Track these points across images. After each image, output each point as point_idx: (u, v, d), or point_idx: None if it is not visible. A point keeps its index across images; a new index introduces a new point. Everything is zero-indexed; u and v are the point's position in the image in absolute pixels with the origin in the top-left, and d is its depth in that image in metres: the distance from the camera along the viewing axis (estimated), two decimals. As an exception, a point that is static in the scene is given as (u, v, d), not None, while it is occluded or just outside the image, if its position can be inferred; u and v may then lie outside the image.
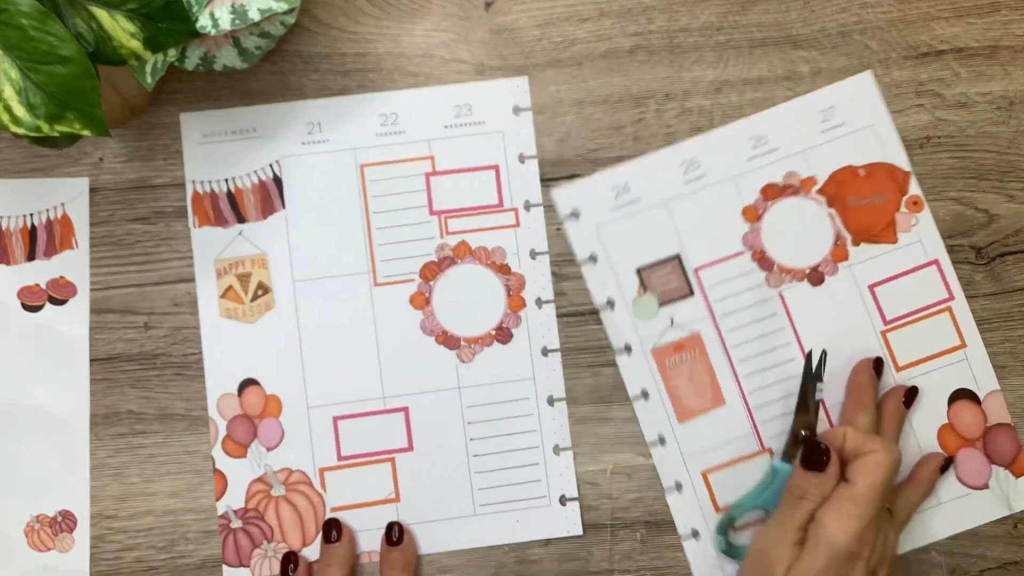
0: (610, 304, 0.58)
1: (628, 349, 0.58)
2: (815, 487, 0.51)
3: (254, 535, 0.57)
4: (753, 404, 0.57)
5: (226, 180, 0.58)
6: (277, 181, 0.58)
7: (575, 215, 0.58)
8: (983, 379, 0.58)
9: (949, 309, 0.58)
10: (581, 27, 0.59)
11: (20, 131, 0.46)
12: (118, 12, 0.47)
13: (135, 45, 0.48)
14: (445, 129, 0.59)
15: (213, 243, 0.58)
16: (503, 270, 0.58)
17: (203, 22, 0.49)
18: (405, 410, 0.58)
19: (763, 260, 0.58)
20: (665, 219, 0.58)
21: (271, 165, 0.58)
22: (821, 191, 0.59)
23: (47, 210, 0.57)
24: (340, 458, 0.57)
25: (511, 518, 0.57)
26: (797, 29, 0.59)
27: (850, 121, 0.59)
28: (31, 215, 0.57)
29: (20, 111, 0.45)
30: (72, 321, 0.57)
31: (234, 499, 0.57)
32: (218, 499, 0.57)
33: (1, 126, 0.46)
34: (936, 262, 0.58)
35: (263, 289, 0.58)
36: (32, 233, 0.57)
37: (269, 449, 0.57)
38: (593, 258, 0.58)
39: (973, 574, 0.58)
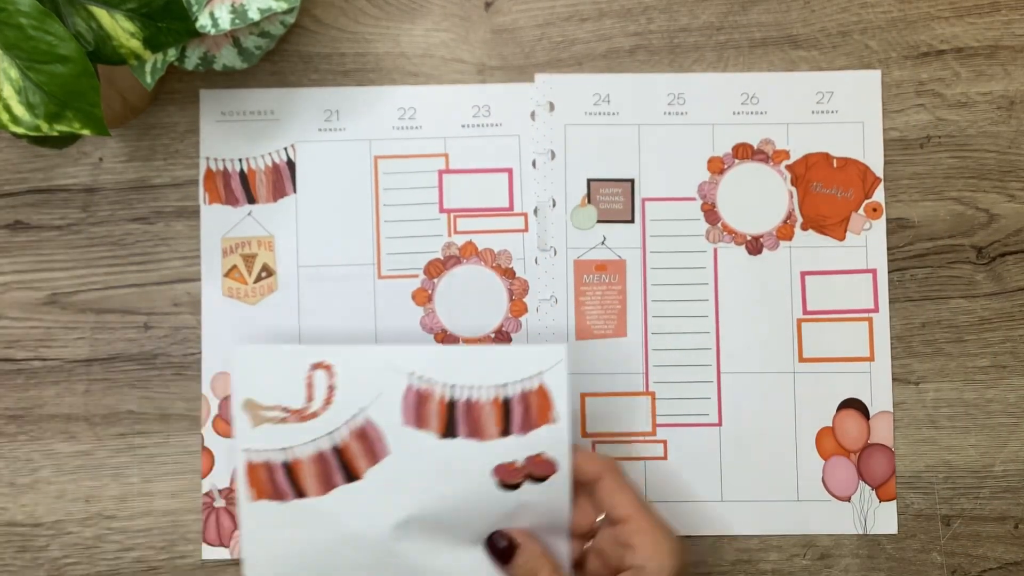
0: (551, 203, 0.58)
1: (553, 251, 0.58)
2: (532, 562, 0.50)
3: (236, 516, 0.57)
4: (652, 346, 0.58)
5: (240, 159, 0.58)
6: (290, 165, 0.59)
7: (551, 106, 0.58)
8: (879, 397, 0.58)
9: (870, 321, 0.58)
10: (581, 27, 0.59)
11: (20, 131, 0.46)
12: (118, 11, 0.47)
13: (135, 45, 0.48)
14: (462, 128, 0.59)
15: (222, 221, 0.58)
16: (508, 274, 0.58)
17: (203, 22, 0.49)
18: None
19: (710, 213, 0.58)
20: (632, 141, 0.59)
21: (286, 149, 0.59)
22: (790, 167, 0.59)
23: (522, 381, 0.52)
24: None
25: None
26: (797, 29, 0.59)
27: (843, 111, 0.59)
28: (504, 386, 0.52)
29: (20, 110, 0.45)
30: (551, 498, 0.51)
31: (220, 478, 0.57)
32: (204, 477, 0.57)
33: (1, 126, 0.46)
34: (874, 272, 0.58)
35: (267, 271, 0.58)
36: (506, 406, 0.51)
37: None
38: (552, 154, 0.58)
39: (974, 574, 0.58)
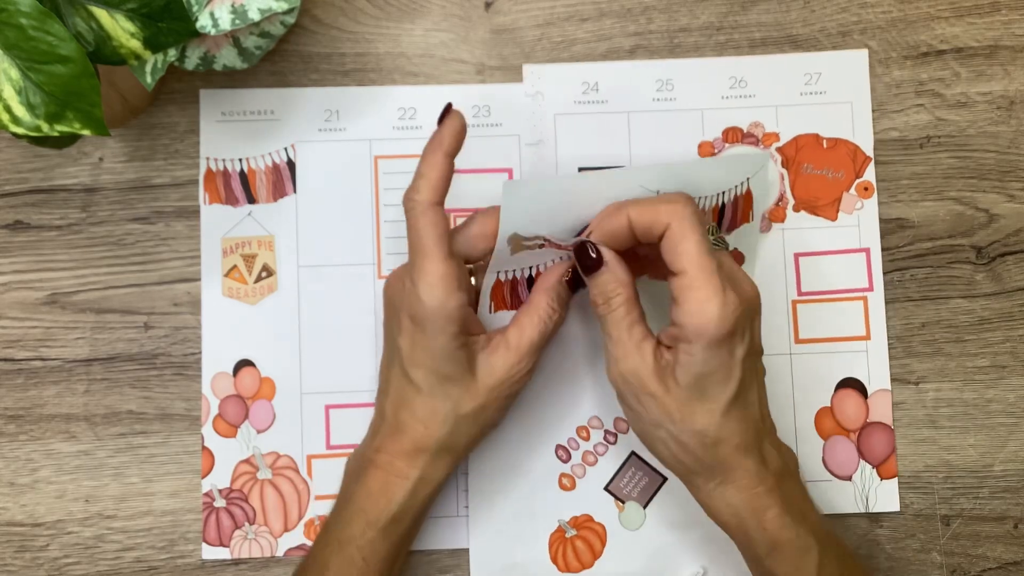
0: None
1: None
2: (612, 284, 0.47)
3: (236, 516, 0.57)
4: None
5: (240, 159, 0.58)
6: (290, 165, 0.59)
7: (540, 95, 0.58)
8: (877, 376, 0.58)
9: (864, 299, 0.58)
10: (581, 27, 0.59)
11: (20, 131, 0.46)
12: (118, 12, 0.47)
13: (135, 45, 0.48)
14: None
15: (222, 221, 0.58)
16: (507, 272, 0.58)
17: (203, 22, 0.49)
18: None
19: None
20: (623, 129, 0.59)
21: (286, 149, 0.59)
22: (780, 149, 0.59)
23: (736, 186, 0.53)
24: (329, 447, 0.57)
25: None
26: (797, 29, 0.59)
27: (831, 92, 0.59)
28: (724, 192, 0.54)
29: (20, 111, 0.45)
30: None
31: (220, 478, 0.57)
32: (204, 477, 0.57)
33: (1, 126, 0.46)
34: (867, 251, 0.58)
35: (267, 271, 0.58)
36: (722, 210, 0.54)
37: (259, 431, 0.57)
38: (541, 142, 0.58)
39: (973, 574, 0.58)
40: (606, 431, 0.57)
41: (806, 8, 0.59)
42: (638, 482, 0.57)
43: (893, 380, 0.58)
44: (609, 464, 0.57)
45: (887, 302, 0.58)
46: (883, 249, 0.58)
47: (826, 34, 0.59)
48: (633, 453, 0.57)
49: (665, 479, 0.57)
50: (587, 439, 0.57)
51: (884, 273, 0.58)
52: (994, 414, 0.58)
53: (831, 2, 0.59)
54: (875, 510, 0.57)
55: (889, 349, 0.58)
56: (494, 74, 0.59)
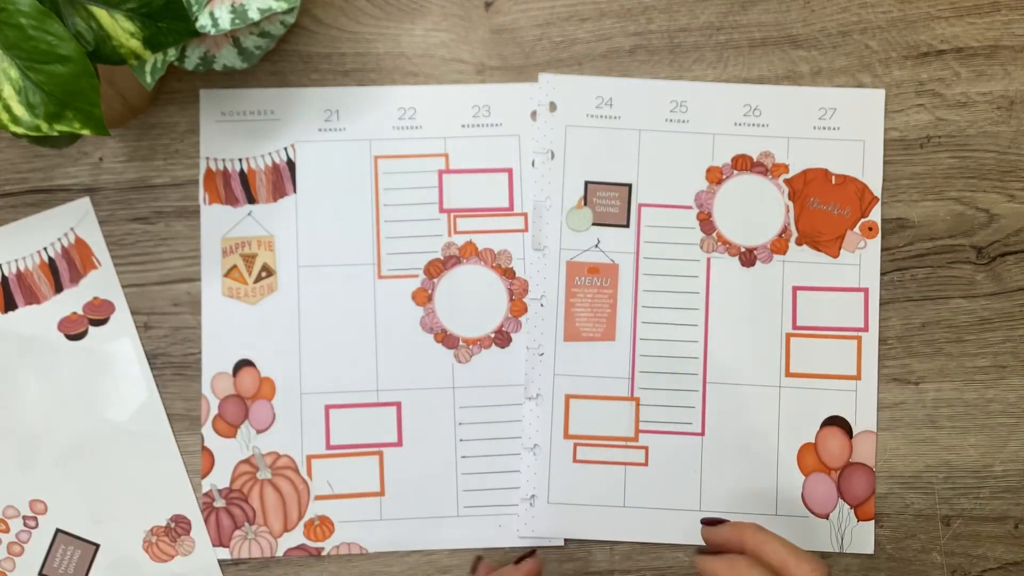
0: (547, 203, 0.58)
1: (545, 250, 0.58)
2: None
3: (236, 516, 0.57)
4: (639, 352, 0.58)
5: (240, 159, 0.58)
6: (290, 165, 0.59)
7: (552, 106, 0.58)
8: (863, 417, 0.58)
9: (859, 339, 0.58)
10: (581, 27, 0.59)
11: (20, 131, 0.46)
12: (118, 11, 0.47)
13: (135, 44, 0.48)
14: (462, 128, 0.59)
15: (222, 221, 0.58)
16: (507, 274, 0.58)
17: (203, 21, 0.49)
18: (397, 405, 0.58)
19: (706, 223, 0.58)
20: (633, 146, 0.58)
21: (286, 149, 0.59)
22: (788, 181, 0.59)
23: (58, 239, 0.57)
24: (329, 447, 0.57)
25: (494, 522, 0.57)
26: (797, 29, 0.59)
27: (845, 128, 0.59)
28: (44, 249, 0.57)
29: (20, 110, 0.46)
30: (118, 335, 0.57)
31: (220, 478, 0.57)
32: (204, 477, 0.57)
33: (1, 125, 0.46)
34: (866, 291, 0.58)
35: (267, 271, 0.58)
36: (52, 266, 0.57)
37: (259, 431, 0.57)
38: (551, 154, 0.58)
39: (974, 574, 0.58)
40: (24, 517, 0.56)
41: (806, 8, 0.59)
42: (71, 557, 0.56)
43: (893, 380, 0.58)
44: (37, 548, 0.56)
45: (886, 302, 0.58)
46: (883, 249, 0.59)
47: (826, 34, 0.59)
48: (58, 530, 0.56)
49: (98, 546, 0.56)
50: (7, 531, 0.56)
51: (884, 273, 0.58)
52: (994, 414, 0.58)
53: (831, 2, 0.59)
54: (849, 550, 0.57)
55: (889, 349, 0.58)
56: (494, 74, 0.59)
